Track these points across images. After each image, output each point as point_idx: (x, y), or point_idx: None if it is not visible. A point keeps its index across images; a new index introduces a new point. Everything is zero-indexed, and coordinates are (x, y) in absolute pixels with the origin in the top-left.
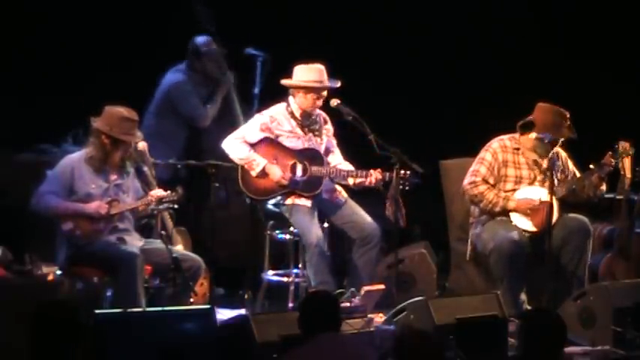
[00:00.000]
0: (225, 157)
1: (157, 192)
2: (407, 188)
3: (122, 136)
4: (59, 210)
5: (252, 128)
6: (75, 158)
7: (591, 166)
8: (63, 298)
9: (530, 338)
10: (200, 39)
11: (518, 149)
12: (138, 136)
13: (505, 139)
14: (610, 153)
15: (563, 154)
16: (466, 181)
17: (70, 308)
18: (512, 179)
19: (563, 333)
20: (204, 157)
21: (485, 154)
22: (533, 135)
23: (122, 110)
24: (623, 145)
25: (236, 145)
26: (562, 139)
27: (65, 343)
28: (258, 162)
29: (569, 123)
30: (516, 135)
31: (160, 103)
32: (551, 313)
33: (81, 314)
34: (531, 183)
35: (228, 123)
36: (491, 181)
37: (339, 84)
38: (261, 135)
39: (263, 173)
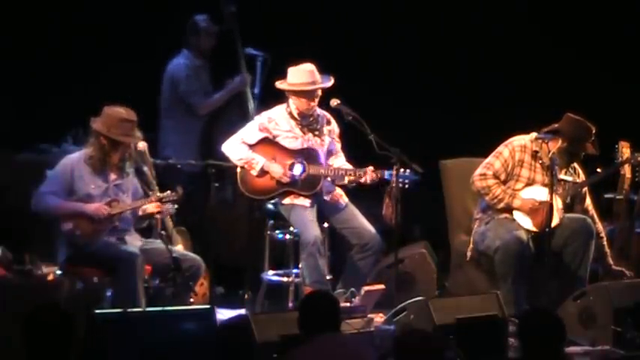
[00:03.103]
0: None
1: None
2: (406, 187)
3: (121, 138)
4: (59, 210)
5: (250, 129)
6: (74, 158)
7: (599, 170)
8: (56, 301)
9: (530, 338)
10: (199, 16)
11: (537, 152)
12: (137, 137)
13: (527, 139)
14: (619, 160)
15: (579, 169)
16: (477, 171)
17: (61, 312)
18: (525, 180)
19: (562, 332)
20: (216, 157)
21: (504, 149)
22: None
23: (121, 111)
24: (624, 145)
25: (235, 147)
26: (583, 154)
27: (57, 347)
28: (257, 160)
29: (593, 139)
30: (539, 141)
31: (167, 94)
32: (550, 312)
33: (73, 318)
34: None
35: (240, 124)
36: (503, 177)
37: (331, 82)
38: (260, 135)
39: (263, 172)
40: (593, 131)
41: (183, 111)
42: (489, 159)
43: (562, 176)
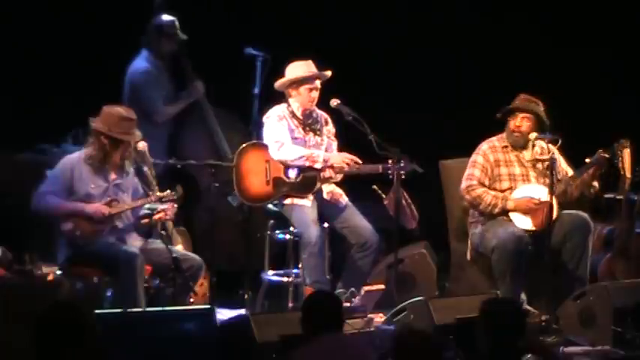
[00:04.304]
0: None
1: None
2: (403, 177)
3: (121, 136)
4: (59, 210)
5: (276, 129)
6: (74, 158)
7: (587, 160)
8: (66, 300)
9: (490, 328)
10: (166, 19)
11: (506, 147)
12: (137, 135)
13: (493, 139)
14: (602, 149)
15: (557, 153)
16: (463, 185)
17: (73, 310)
18: (507, 177)
19: (522, 319)
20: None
21: (477, 157)
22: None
23: (120, 110)
24: (624, 145)
25: (288, 149)
26: (559, 140)
27: (69, 346)
28: (317, 153)
29: (541, 108)
30: (504, 135)
31: (127, 98)
32: (508, 300)
33: (85, 316)
34: (525, 179)
35: (202, 133)
36: (487, 182)
37: (329, 73)
38: (285, 128)
39: (325, 163)
40: (535, 99)
41: (142, 115)
42: (468, 171)
43: (538, 157)
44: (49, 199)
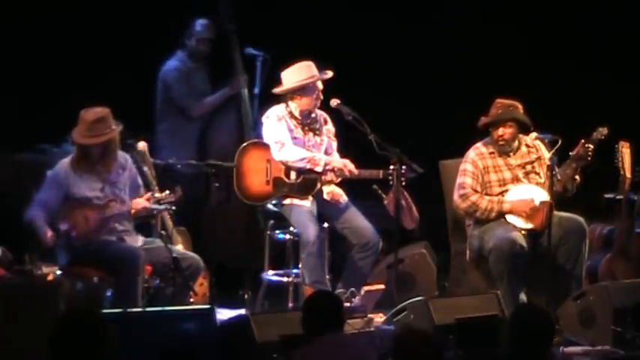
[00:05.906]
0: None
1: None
2: (403, 183)
3: (86, 140)
4: (32, 226)
5: (276, 129)
6: (66, 164)
7: (570, 154)
8: (82, 306)
9: (520, 335)
10: (200, 20)
11: (493, 153)
12: (113, 131)
13: (480, 146)
14: (584, 139)
15: (541, 146)
16: (456, 195)
17: (91, 317)
18: (496, 183)
19: (552, 330)
20: (211, 157)
21: (466, 165)
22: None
23: (92, 113)
24: (624, 145)
25: (290, 150)
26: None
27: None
28: (319, 157)
29: (519, 110)
30: (489, 140)
31: (159, 97)
32: (541, 309)
33: (103, 323)
34: (516, 182)
35: (235, 127)
36: (479, 189)
37: (330, 74)
38: (285, 128)
39: (325, 167)
40: (512, 102)
41: (176, 113)
42: (458, 180)
43: (527, 159)
44: (33, 212)
